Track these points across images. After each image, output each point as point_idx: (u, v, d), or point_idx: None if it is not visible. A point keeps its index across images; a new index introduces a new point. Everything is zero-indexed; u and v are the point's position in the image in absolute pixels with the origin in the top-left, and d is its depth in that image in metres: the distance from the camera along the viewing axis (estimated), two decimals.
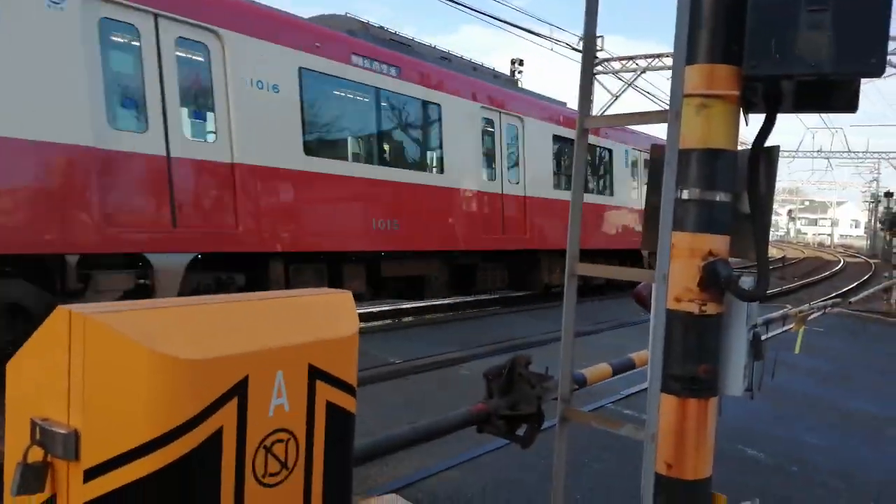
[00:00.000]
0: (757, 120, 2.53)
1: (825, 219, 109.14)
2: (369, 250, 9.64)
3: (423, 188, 10.32)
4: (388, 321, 12.22)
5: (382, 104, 9.71)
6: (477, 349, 8.98)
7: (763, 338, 7.50)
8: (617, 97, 28.61)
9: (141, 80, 6.96)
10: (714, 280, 2.34)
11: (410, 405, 5.94)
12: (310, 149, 8.62)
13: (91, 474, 1.43)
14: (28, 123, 6.13)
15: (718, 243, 2.38)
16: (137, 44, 6.94)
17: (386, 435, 2.84)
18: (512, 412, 3.31)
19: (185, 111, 7.33)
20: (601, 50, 28.58)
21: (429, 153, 10.71)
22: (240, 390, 1.52)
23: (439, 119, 10.65)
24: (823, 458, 4.97)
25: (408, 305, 13.57)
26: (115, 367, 1.41)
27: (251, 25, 7.85)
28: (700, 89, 2.31)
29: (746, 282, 2.39)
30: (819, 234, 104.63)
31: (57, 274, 6.76)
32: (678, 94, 2.04)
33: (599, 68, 28.87)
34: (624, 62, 28.59)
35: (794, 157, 56.39)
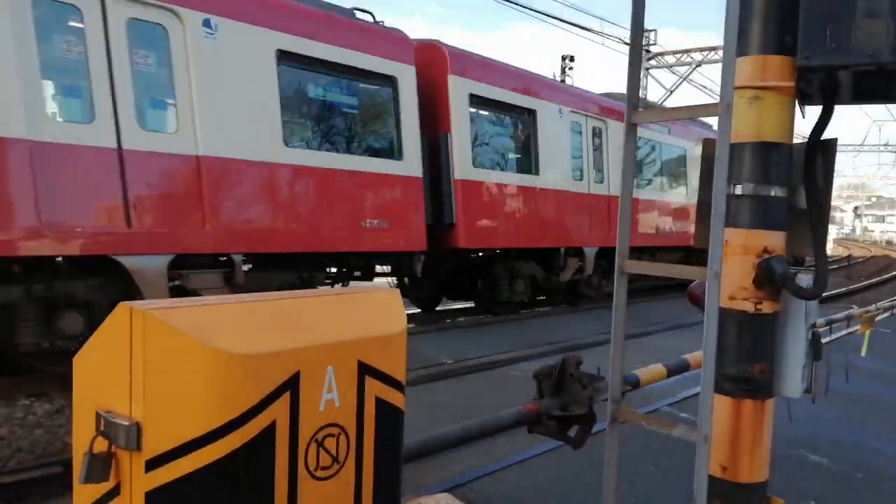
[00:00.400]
0: (814, 112, 2.46)
1: (893, 215, 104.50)
2: (674, 245, 15.87)
3: (684, 205, 16.61)
4: (440, 321, 12.27)
5: (662, 152, 15.92)
6: (529, 350, 8.95)
7: (826, 339, 7.23)
8: (671, 92, 28.02)
9: (582, 150, 13.21)
10: (769, 278, 2.28)
11: (462, 405, 5.95)
12: (638, 184, 14.64)
13: (152, 464, 1.50)
14: (563, 181, 12.58)
15: (774, 240, 2.32)
16: (580, 133, 13.20)
17: (437, 433, 2.87)
18: (563, 413, 3.29)
19: (594, 166, 13.64)
20: (654, 44, 28.01)
21: (683, 182, 16.80)
22: (292, 385, 1.57)
23: (685, 158, 16.83)
24: (890, 464, 4.77)
25: (459, 306, 13.61)
26: (173, 362, 1.47)
27: (615, 114, 13.91)
28: (752, 81, 2.25)
29: (804, 279, 2.32)
30: (887, 232, 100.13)
31: (554, 258, 12.66)
32: (729, 86, 1.99)
33: (652, 62, 28.31)
34: (678, 56, 27.97)
35: (858, 151, 54.17)
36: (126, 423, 1.52)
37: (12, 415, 5.93)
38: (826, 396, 6.13)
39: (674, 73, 28.18)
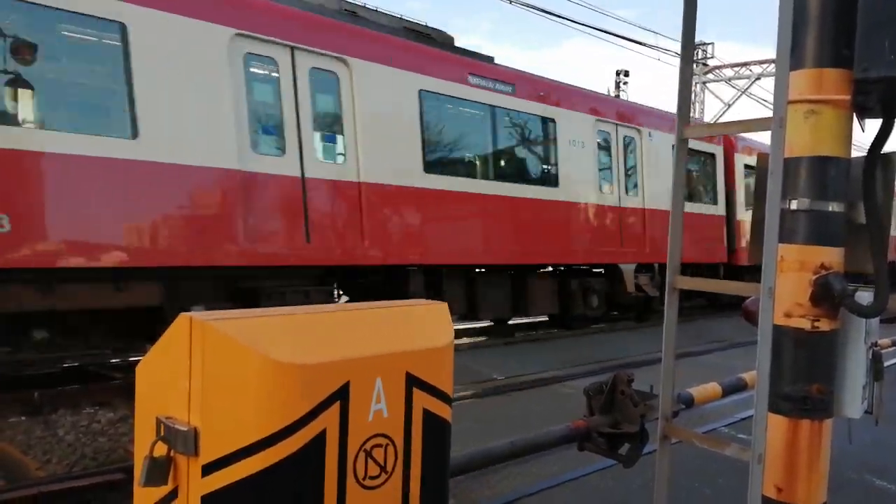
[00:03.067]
0: (874, 125, 2.39)
1: None
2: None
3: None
4: (490, 338, 12.24)
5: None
6: (580, 367, 8.84)
7: (894, 360, 6.88)
8: (729, 105, 27.44)
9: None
10: (827, 295, 2.22)
11: (513, 421, 5.93)
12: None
13: (208, 469, 1.55)
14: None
15: (831, 256, 2.26)
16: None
17: (485, 448, 2.88)
18: (613, 430, 3.25)
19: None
20: (711, 57, 27.57)
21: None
22: (342, 395, 1.61)
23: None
24: None
25: (510, 322, 13.54)
26: (230, 371, 1.53)
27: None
28: (808, 95, 2.21)
29: (864, 296, 2.25)
30: None
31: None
32: (781, 100, 1.97)
33: (710, 76, 27.84)
34: (737, 69, 27.42)
35: None
36: (185, 429, 1.58)
37: (78, 422, 6.18)
38: (892, 420, 5.86)
39: (733, 86, 27.64)
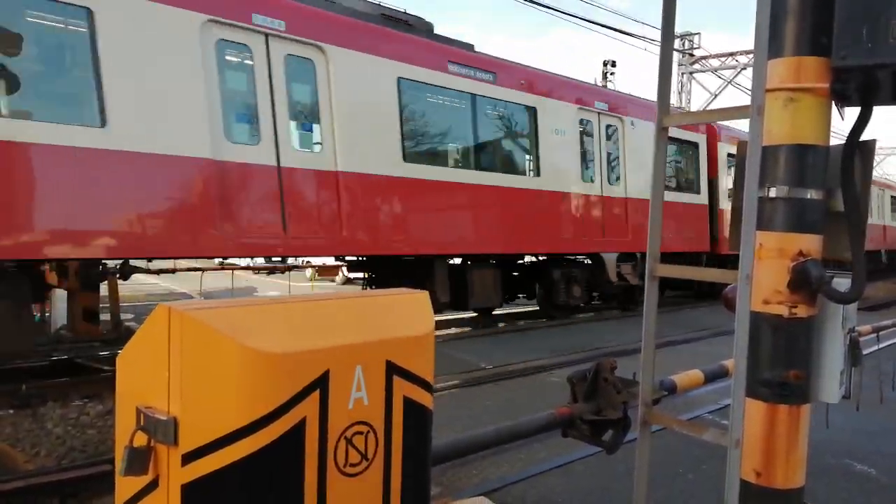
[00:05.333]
0: (853, 113, 2.41)
1: None
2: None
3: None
4: (478, 327, 12.27)
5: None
6: (567, 356, 8.88)
7: (875, 348, 6.99)
8: (716, 96, 27.52)
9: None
10: (805, 281, 2.25)
11: (501, 409, 5.95)
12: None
13: (188, 458, 1.56)
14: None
15: (809, 243, 2.28)
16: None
17: (469, 434, 2.89)
18: (597, 417, 3.28)
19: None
20: (697, 47, 27.64)
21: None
22: (322, 383, 1.61)
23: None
24: None
25: (497, 312, 13.58)
26: (209, 360, 1.53)
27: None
28: (787, 83, 2.23)
29: (842, 283, 2.28)
30: None
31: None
32: (760, 89, 1.98)
33: (697, 66, 27.91)
34: (723, 59, 27.50)
35: None
36: (164, 419, 1.58)
37: (67, 415, 6.15)
38: (874, 406, 5.95)
39: (719, 76, 27.72)
